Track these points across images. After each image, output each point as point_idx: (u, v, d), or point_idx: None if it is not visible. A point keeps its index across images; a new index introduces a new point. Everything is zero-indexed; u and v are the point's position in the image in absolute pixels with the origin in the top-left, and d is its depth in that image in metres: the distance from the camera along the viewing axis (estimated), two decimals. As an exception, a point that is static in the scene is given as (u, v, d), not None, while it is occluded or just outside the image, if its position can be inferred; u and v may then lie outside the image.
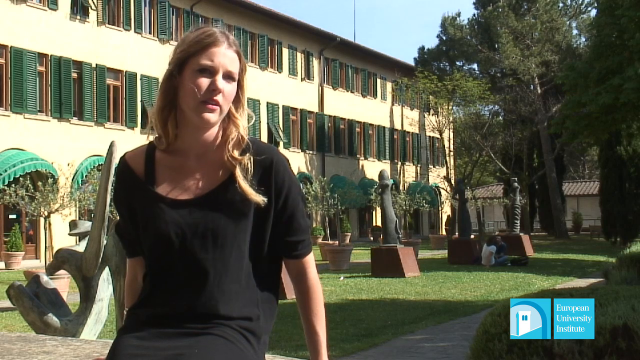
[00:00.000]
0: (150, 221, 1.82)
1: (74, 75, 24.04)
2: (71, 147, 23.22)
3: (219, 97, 1.80)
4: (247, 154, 1.84)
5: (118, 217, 1.98)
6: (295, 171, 33.98)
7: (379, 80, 41.91)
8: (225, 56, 1.82)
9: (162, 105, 1.85)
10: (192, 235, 1.79)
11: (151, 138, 1.91)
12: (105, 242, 6.10)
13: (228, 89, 1.82)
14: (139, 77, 26.19)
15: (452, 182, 37.96)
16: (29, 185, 15.54)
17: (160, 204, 1.82)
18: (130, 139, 22.92)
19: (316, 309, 1.91)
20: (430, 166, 45.82)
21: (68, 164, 18.65)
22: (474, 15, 42.39)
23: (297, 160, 34.60)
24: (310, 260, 1.93)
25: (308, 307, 1.90)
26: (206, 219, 1.80)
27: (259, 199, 1.81)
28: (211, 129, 1.85)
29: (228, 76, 1.82)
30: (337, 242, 23.58)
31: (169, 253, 1.80)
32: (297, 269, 1.91)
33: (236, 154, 1.84)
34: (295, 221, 1.89)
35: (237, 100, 1.86)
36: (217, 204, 1.81)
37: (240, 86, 1.86)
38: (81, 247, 6.51)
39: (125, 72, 25.91)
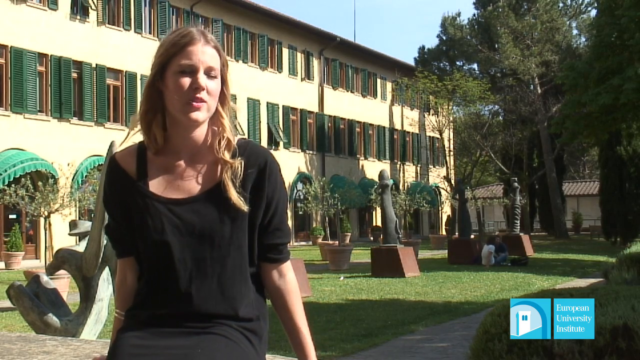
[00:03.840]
0: (146, 221, 1.80)
1: (74, 75, 24.04)
2: (71, 147, 23.22)
3: (203, 95, 1.79)
4: (239, 158, 1.83)
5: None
6: (295, 171, 33.99)
7: (379, 80, 41.89)
8: (204, 53, 1.81)
9: (145, 110, 1.85)
10: (189, 234, 1.78)
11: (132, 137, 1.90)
12: (105, 242, 6.10)
13: (212, 85, 1.81)
14: (139, 77, 26.18)
15: (452, 182, 37.94)
16: (29, 185, 15.52)
17: (155, 203, 1.81)
18: (129, 139, 22.92)
19: (301, 311, 1.91)
20: (430, 166, 45.80)
21: (68, 164, 18.63)
22: (474, 15, 42.42)
23: (297, 160, 34.59)
24: (290, 264, 1.94)
25: (292, 310, 1.89)
26: (203, 218, 1.79)
27: (243, 207, 1.80)
28: (200, 128, 1.84)
29: (210, 73, 1.81)
30: (337, 242, 23.57)
31: (167, 253, 1.78)
32: (279, 273, 1.90)
33: (227, 156, 1.82)
34: (282, 224, 1.89)
35: (222, 97, 1.86)
36: (213, 204, 1.80)
37: (223, 82, 1.86)
38: (81, 247, 6.52)
39: (125, 72, 25.91)
